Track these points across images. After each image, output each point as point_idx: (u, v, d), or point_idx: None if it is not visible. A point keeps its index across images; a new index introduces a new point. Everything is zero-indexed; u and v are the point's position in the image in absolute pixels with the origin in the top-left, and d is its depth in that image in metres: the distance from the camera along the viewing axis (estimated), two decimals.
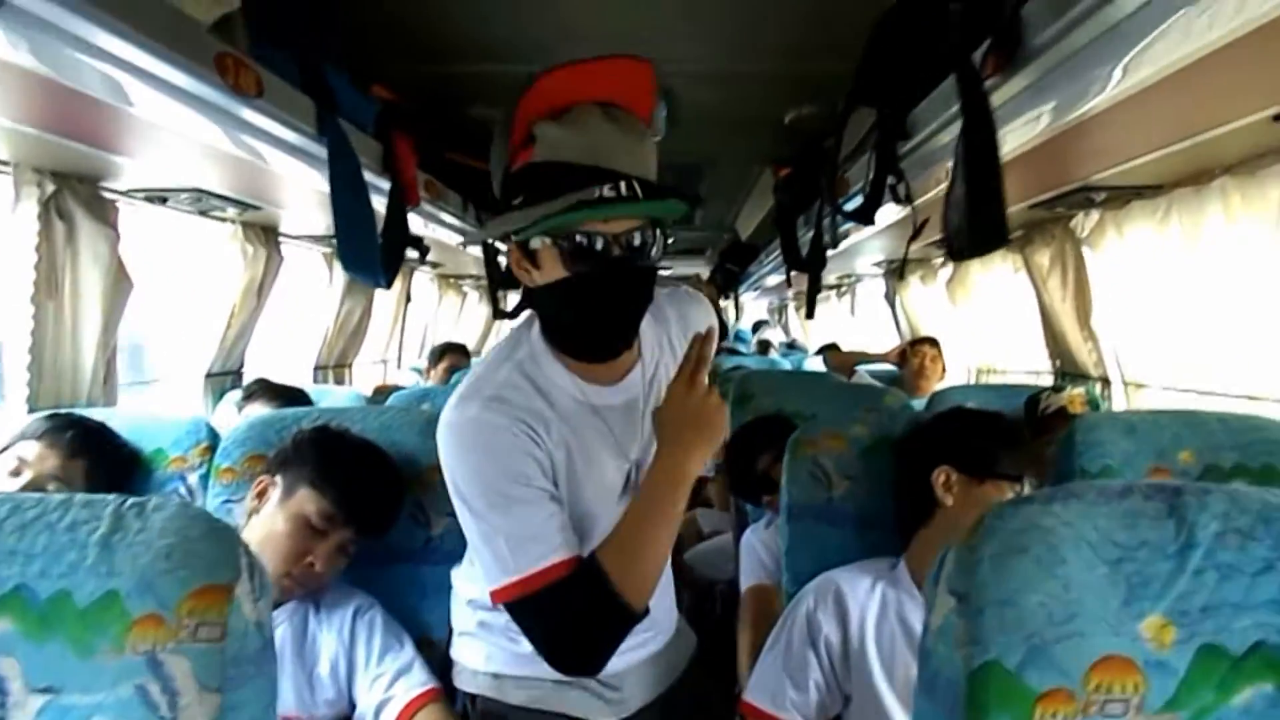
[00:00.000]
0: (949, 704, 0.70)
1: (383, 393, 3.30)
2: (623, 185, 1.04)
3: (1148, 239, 2.22)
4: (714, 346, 1.28)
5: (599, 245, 1.06)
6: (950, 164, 1.47)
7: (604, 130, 1.05)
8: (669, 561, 1.33)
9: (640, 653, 1.36)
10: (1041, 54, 1.24)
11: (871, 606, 1.36)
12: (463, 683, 1.38)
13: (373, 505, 1.39)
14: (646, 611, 1.11)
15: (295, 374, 3.38)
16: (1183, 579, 0.70)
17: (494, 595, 1.10)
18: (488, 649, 1.35)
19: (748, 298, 11.15)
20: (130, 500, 0.83)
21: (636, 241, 1.08)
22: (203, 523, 0.82)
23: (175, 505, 0.83)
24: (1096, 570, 0.70)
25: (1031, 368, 3.30)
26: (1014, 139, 1.48)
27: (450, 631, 1.45)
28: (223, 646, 0.77)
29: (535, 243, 1.10)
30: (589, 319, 1.13)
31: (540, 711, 1.32)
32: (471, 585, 1.34)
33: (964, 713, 0.68)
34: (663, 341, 1.30)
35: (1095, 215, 2.44)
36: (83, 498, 0.84)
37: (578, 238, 1.06)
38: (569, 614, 1.08)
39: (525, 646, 1.18)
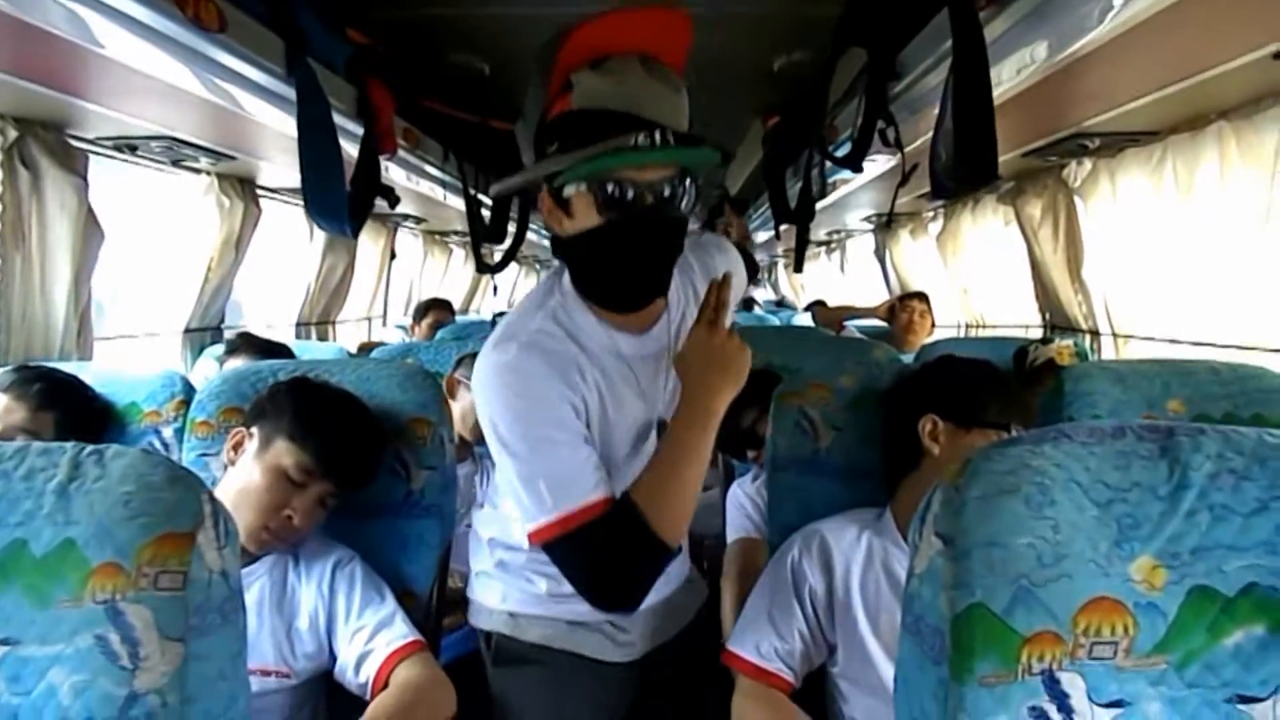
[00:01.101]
0: (934, 647, 0.68)
1: (366, 349, 3.27)
2: (657, 134, 1.04)
3: (1141, 188, 2.19)
4: (740, 290, 1.35)
5: (632, 193, 1.08)
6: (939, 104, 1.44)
7: (641, 80, 1.06)
8: None
9: (651, 597, 1.33)
10: None
11: (857, 555, 1.35)
12: (480, 621, 1.45)
13: (352, 458, 1.36)
14: (680, 549, 1.18)
15: (277, 332, 3.34)
16: (1174, 520, 0.69)
17: (533, 536, 1.13)
18: (504, 588, 1.41)
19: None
20: (89, 448, 0.81)
21: (668, 191, 1.09)
22: (163, 470, 0.79)
23: (135, 453, 0.80)
24: (1086, 512, 0.68)
25: (1021, 321, 3.28)
26: (1007, 78, 1.45)
27: (435, 582, 1.46)
28: (185, 595, 0.75)
29: (569, 190, 1.12)
30: (621, 267, 1.15)
31: (553, 649, 1.37)
32: (491, 526, 1.43)
33: (950, 656, 0.66)
34: (688, 291, 1.32)
35: (1088, 164, 2.41)
36: (40, 446, 0.81)
37: (610, 186, 1.07)
38: (606, 551, 1.11)
39: (541, 586, 1.30)
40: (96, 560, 0.74)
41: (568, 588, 1.19)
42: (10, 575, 0.75)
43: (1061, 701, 0.66)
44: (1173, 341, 2.25)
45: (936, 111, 1.51)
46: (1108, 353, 2.62)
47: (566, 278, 1.24)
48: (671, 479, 1.13)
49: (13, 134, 1.80)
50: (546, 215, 1.18)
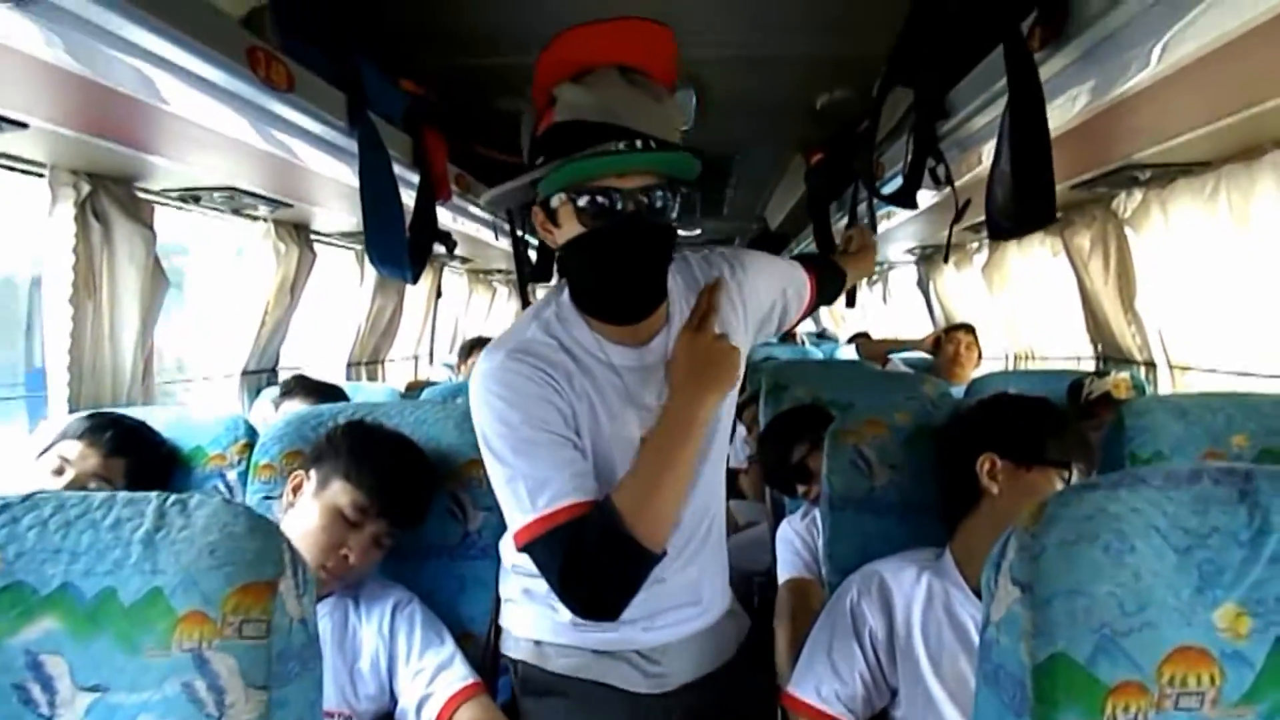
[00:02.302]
0: (1014, 697, 0.67)
1: (415, 388, 3.31)
2: (638, 142, 1.06)
3: (1194, 218, 2.15)
4: (798, 303, 1.47)
5: (613, 201, 1.09)
6: (992, 143, 1.44)
7: (620, 89, 1.08)
8: (719, 537, 1.39)
9: (685, 628, 1.34)
10: (1089, 26, 1.20)
11: (917, 597, 1.33)
12: (508, 649, 1.41)
13: (405, 497, 1.38)
14: (663, 554, 1.12)
15: (328, 371, 3.40)
16: (1257, 567, 0.67)
17: (515, 538, 1.14)
18: (531, 616, 1.36)
19: None
20: (172, 497, 0.83)
21: (649, 199, 1.10)
22: (245, 519, 0.81)
23: (217, 502, 0.83)
24: (1166, 558, 0.67)
25: (1071, 353, 3.23)
26: (1057, 116, 1.44)
27: (492, 621, 1.46)
28: (268, 643, 0.76)
29: (555, 201, 1.13)
30: (606, 275, 1.15)
31: (580, 680, 1.33)
32: (512, 551, 1.35)
33: (1031, 706, 0.65)
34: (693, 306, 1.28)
35: (1138, 195, 2.37)
36: (125, 496, 0.84)
37: (591, 195, 1.09)
38: (583, 553, 1.09)
39: (565, 614, 1.24)
40: (183, 609, 0.76)
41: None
42: (100, 623, 0.77)
43: None
44: (1236, 375, 2.20)
45: (986, 149, 1.51)
46: (1164, 384, 2.57)
47: (566, 292, 1.25)
48: (652, 481, 1.12)
49: (85, 189, 1.87)
50: (539, 229, 1.19)
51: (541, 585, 1.25)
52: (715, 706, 1.39)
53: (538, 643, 1.36)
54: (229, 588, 0.77)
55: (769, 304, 1.41)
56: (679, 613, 1.33)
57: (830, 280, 1.59)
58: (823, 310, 8.86)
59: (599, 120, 1.07)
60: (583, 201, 1.10)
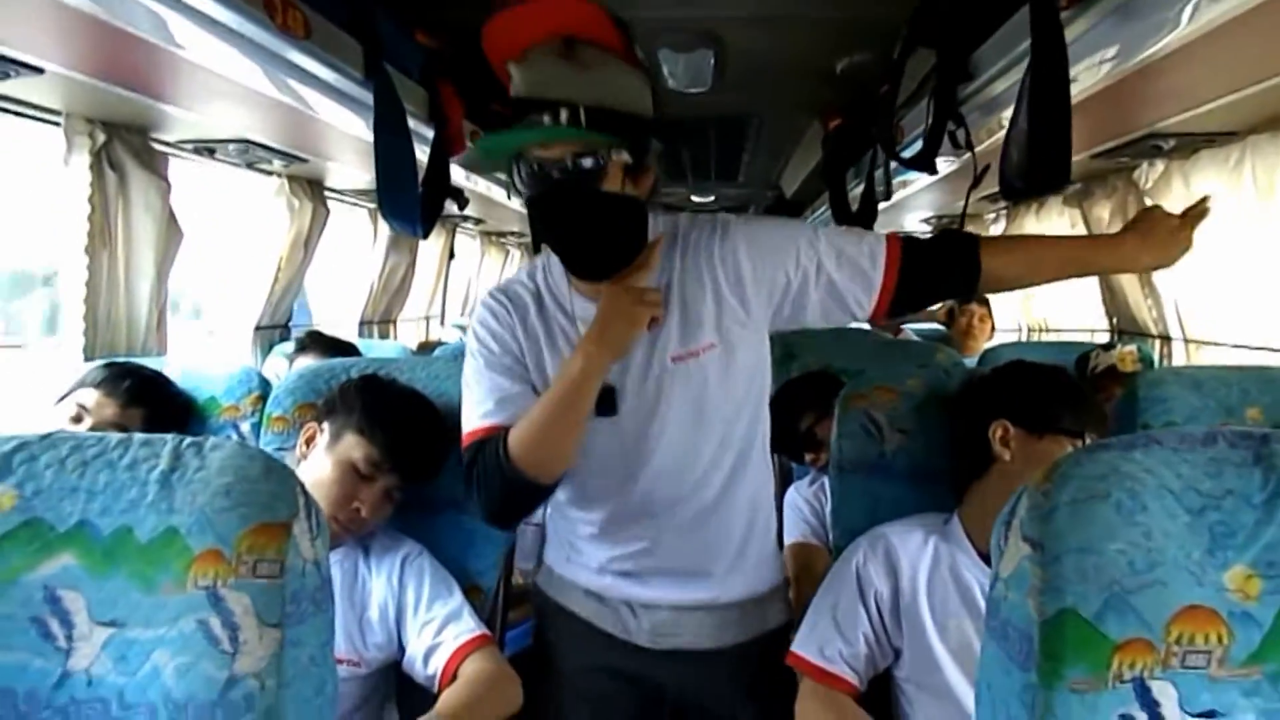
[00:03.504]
0: (1021, 652, 0.68)
1: (427, 348, 3.32)
2: (563, 113, 1.11)
3: (1217, 190, 2.12)
4: (655, 255, 1.26)
5: (539, 169, 1.15)
6: (1014, 105, 1.42)
7: (549, 64, 1.13)
8: (750, 525, 1.38)
9: (683, 595, 1.37)
10: None
11: (923, 560, 1.34)
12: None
13: (417, 452, 1.39)
14: (547, 486, 1.23)
15: (340, 330, 3.41)
16: (1269, 529, 0.67)
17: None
18: (550, 542, 1.50)
19: None
20: (188, 440, 0.84)
21: (577, 165, 1.14)
22: (260, 462, 0.82)
23: (233, 444, 0.84)
24: (1179, 519, 0.67)
25: (1086, 326, 3.21)
26: (1082, 81, 1.41)
27: (500, 574, 1.52)
28: (282, 583, 0.78)
29: (513, 172, 1.20)
30: (546, 237, 1.22)
31: (573, 614, 1.43)
32: None
33: (1038, 661, 0.66)
34: (704, 269, 1.29)
35: (1160, 165, 2.34)
36: (142, 437, 0.85)
37: (523, 165, 1.16)
38: (479, 468, 1.23)
39: (567, 547, 1.43)
40: (198, 548, 0.77)
41: (579, 554, 1.40)
42: (117, 560, 0.78)
43: (1152, 710, 0.65)
44: (1251, 348, 2.18)
45: (1007, 113, 1.49)
46: (1179, 359, 2.55)
47: None
48: (537, 422, 1.20)
49: (101, 137, 1.86)
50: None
51: (554, 515, 1.45)
52: (722, 680, 1.40)
53: (550, 570, 1.49)
54: (243, 528, 0.78)
55: (769, 278, 1.28)
56: (677, 579, 1.36)
57: (937, 263, 1.32)
58: None
59: (529, 94, 1.14)
60: (521, 171, 1.17)
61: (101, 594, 0.78)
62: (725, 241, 1.28)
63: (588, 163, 1.14)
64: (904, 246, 1.28)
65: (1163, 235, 1.32)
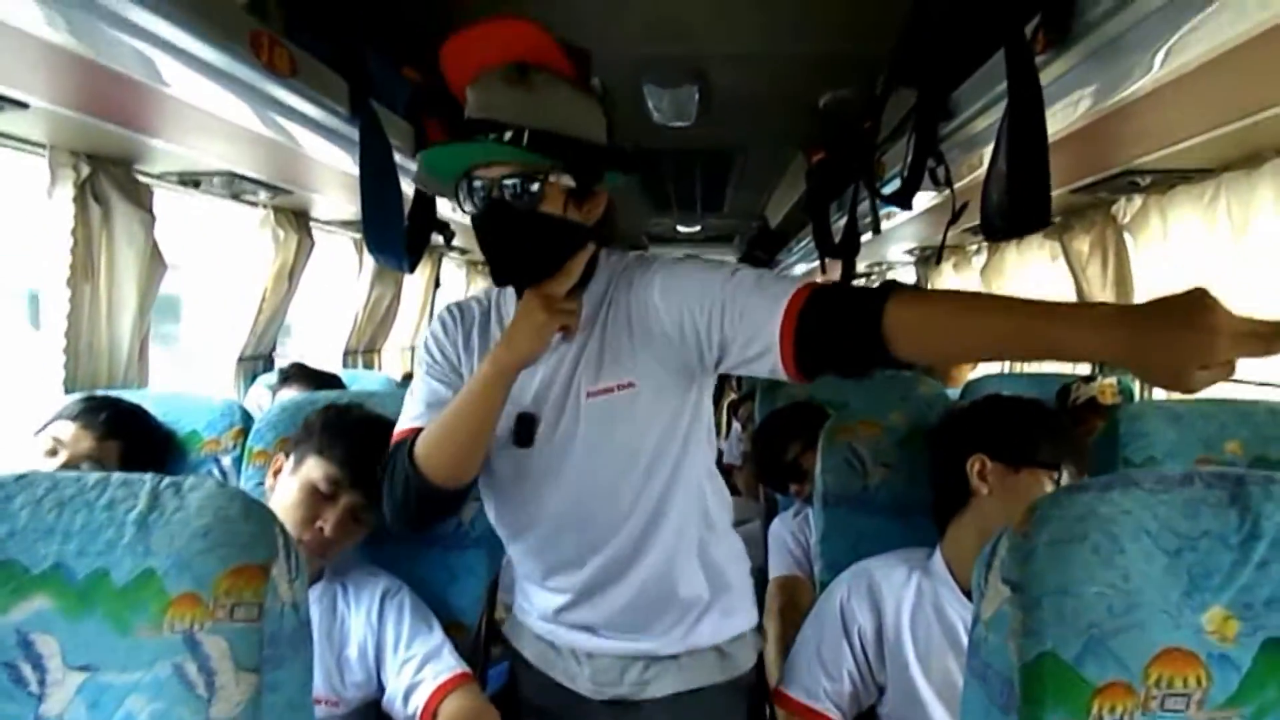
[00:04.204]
0: (1001, 695, 0.68)
1: (411, 378, 3.30)
2: (507, 134, 1.11)
3: (1192, 225, 2.16)
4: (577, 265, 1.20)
5: (478, 188, 1.15)
6: (993, 145, 1.44)
7: (497, 87, 1.14)
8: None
9: (627, 646, 1.30)
10: (1093, 30, 1.20)
11: (907, 597, 1.34)
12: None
13: (375, 467, 1.39)
14: (448, 491, 1.21)
15: (324, 359, 3.40)
16: (1246, 571, 0.68)
17: None
18: (513, 586, 1.46)
19: None
20: (166, 480, 0.84)
21: (513, 186, 1.13)
22: (239, 502, 0.82)
23: (211, 484, 0.83)
24: (1156, 561, 0.68)
25: None
26: (1059, 120, 1.44)
27: (483, 611, 1.50)
28: (260, 626, 0.77)
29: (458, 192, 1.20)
30: (485, 254, 1.20)
31: (524, 659, 1.40)
32: None
33: (1018, 705, 0.66)
34: (624, 306, 1.23)
35: (1138, 200, 2.38)
36: (120, 477, 0.84)
37: (465, 183, 1.16)
38: (390, 470, 1.23)
39: (518, 592, 1.41)
40: (175, 591, 0.77)
41: (527, 598, 1.38)
42: (92, 603, 0.78)
43: None
44: (1230, 381, 2.20)
45: (987, 151, 1.51)
46: (1158, 391, 2.57)
47: None
48: (442, 424, 1.19)
49: (85, 170, 1.86)
50: None
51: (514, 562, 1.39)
52: None
53: (513, 614, 1.45)
54: (222, 570, 0.77)
55: (676, 323, 1.17)
56: (615, 629, 1.30)
57: (833, 318, 1.05)
58: None
59: (474, 116, 1.15)
60: (463, 190, 1.17)
61: (76, 638, 0.77)
62: (646, 282, 1.21)
63: (523, 184, 1.13)
64: (809, 297, 1.06)
65: (1202, 341, 0.81)
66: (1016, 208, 1.35)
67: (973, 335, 0.98)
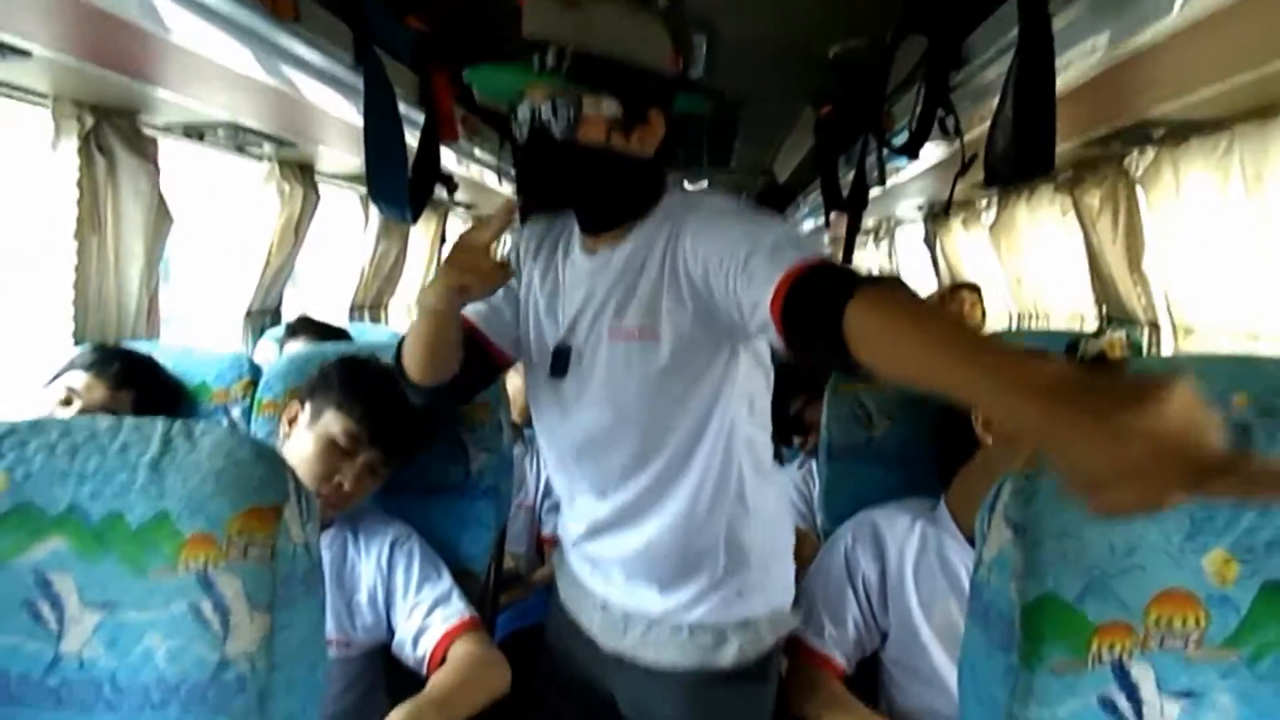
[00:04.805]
0: (1003, 635, 0.69)
1: None
2: (551, 56, 1.08)
3: (1205, 178, 2.13)
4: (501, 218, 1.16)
5: (521, 110, 1.13)
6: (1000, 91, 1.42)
7: (543, 6, 1.11)
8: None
9: (642, 603, 1.28)
10: None
11: (910, 544, 1.35)
12: None
13: (396, 425, 1.40)
14: (415, 385, 1.25)
15: (331, 314, 3.40)
16: (1248, 515, 0.69)
17: None
18: None
19: None
20: (178, 424, 0.85)
21: (551, 108, 1.11)
22: (249, 446, 0.83)
23: (222, 429, 0.84)
24: None
25: (1076, 313, 3.22)
26: (1072, 70, 1.41)
27: (491, 559, 1.51)
28: (272, 566, 0.78)
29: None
30: (518, 181, 1.23)
31: (563, 604, 1.40)
32: None
33: (1019, 643, 0.67)
34: (659, 248, 1.16)
35: (1150, 153, 2.35)
36: (131, 421, 0.85)
37: (514, 106, 1.15)
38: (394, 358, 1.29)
39: (560, 517, 1.40)
40: (189, 532, 0.78)
41: (563, 524, 1.37)
42: (108, 544, 0.79)
43: (1131, 691, 0.67)
44: (1240, 337, 2.20)
45: (996, 100, 1.49)
46: (1167, 345, 2.57)
47: None
48: (410, 333, 1.24)
49: (89, 121, 1.85)
50: None
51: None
52: (670, 706, 1.28)
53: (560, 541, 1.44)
54: (234, 512, 0.78)
55: (700, 277, 1.09)
56: (625, 578, 1.28)
57: (809, 306, 0.90)
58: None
59: (526, 35, 1.12)
60: (514, 116, 1.15)
61: (92, 578, 0.79)
62: (683, 228, 1.13)
63: (562, 109, 1.10)
64: (795, 280, 0.92)
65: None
66: (1021, 153, 1.33)
67: (909, 363, 0.78)
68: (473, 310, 1.25)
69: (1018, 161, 1.35)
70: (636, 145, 1.14)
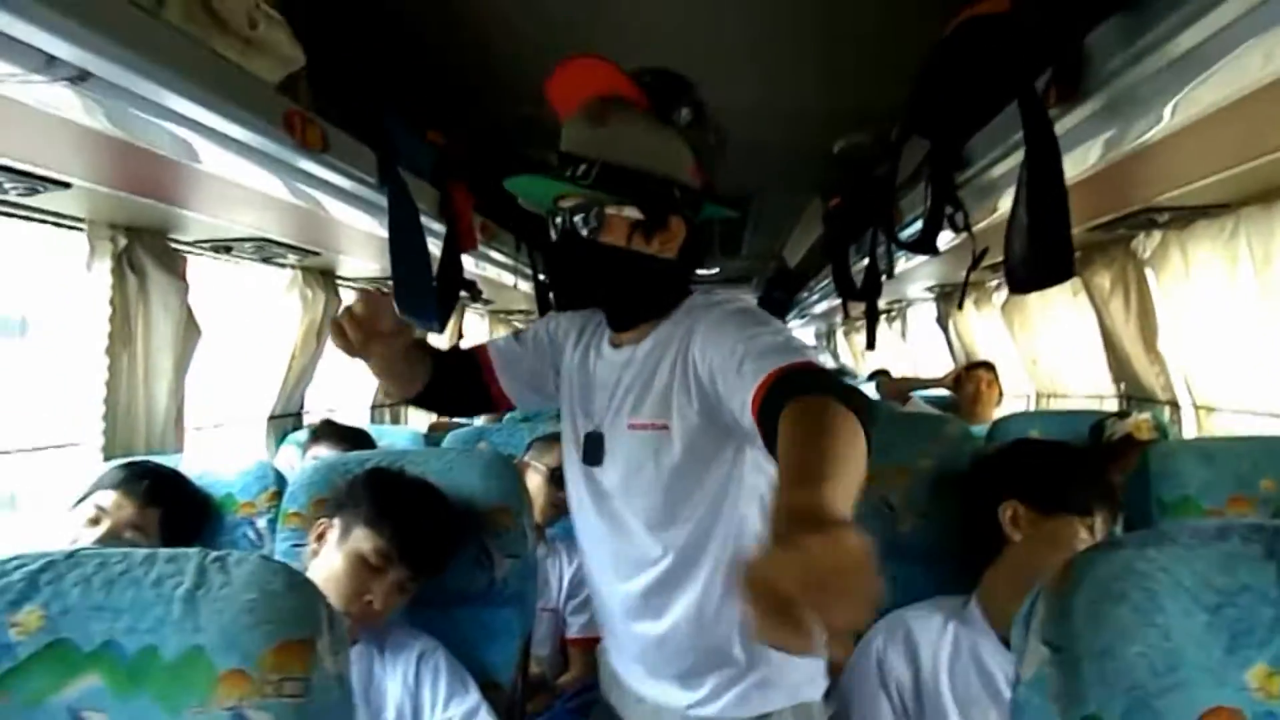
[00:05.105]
0: None
1: (439, 429, 3.33)
2: (581, 167, 1.16)
3: (1213, 259, 2.15)
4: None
5: (553, 218, 1.24)
6: (1010, 190, 1.45)
7: (577, 125, 1.19)
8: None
9: (648, 687, 1.34)
10: (1105, 85, 1.21)
11: (944, 646, 1.33)
12: None
13: (427, 543, 1.40)
14: (412, 399, 1.43)
15: (353, 414, 3.43)
16: None
17: None
18: None
19: (794, 325, 11.07)
20: (212, 555, 0.85)
21: (578, 217, 1.20)
22: (283, 576, 0.83)
23: (256, 559, 0.85)
24: (1196, 618, 0.67)
25: (1094, 392, 3.21)
26: (1074, 164, 1.45)
27: (518, 669, 1.50)
28: (306, 701, 0.78)
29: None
30: (550, 280, 1.31)
31: (603, 693, 1.45)
32: None
33: None
34: (674, 348, 1.22)
35: (1157, 235, 2.38)
36: (166, 553, 0.86)
37: (552, 215, 1.25)
38: None
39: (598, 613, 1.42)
40: (223, 667, 0.78)
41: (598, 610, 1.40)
42: (142, 681, 0.79)
43: None
44: (1262, 416, 2.18)
45: (1004, 196, 1.52)
46: (1188, 425, 2.55)
47: None
48: None
49: (122, 242, 1.91)
50: None
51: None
52: None
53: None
54: (268, 645, 0.78)
55: (706, 375, 1.15)
56: (658, 678, 1.31)
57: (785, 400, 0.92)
58: (841, 345, 8.83)
59: (562, 150, 1.20)
60: (549, 221, 1.26)
61: (127, 715, 0.79)
62: (696, 327, 1.19)
63: (588, 216, 1.19)
64: (770, 386, 0.98)
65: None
66: (1039, 260, 1.36)
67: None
68: (495, 348, 1.45)
69: (1038, 269, 1.37)
70: (656, 248, 1.22)
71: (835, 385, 0.92)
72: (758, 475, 1.23)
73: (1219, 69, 1.04)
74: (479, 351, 1.45)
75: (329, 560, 1.36)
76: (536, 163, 1.24)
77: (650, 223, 1.20)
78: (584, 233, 1.20)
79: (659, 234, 1.22)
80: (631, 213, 1.19)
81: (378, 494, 1.40)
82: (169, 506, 1.65)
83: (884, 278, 2.65)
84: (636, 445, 1.23)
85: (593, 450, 1.28)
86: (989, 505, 1.37)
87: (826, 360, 9.79)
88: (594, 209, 1.19)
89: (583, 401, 1.33)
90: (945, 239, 2.06)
